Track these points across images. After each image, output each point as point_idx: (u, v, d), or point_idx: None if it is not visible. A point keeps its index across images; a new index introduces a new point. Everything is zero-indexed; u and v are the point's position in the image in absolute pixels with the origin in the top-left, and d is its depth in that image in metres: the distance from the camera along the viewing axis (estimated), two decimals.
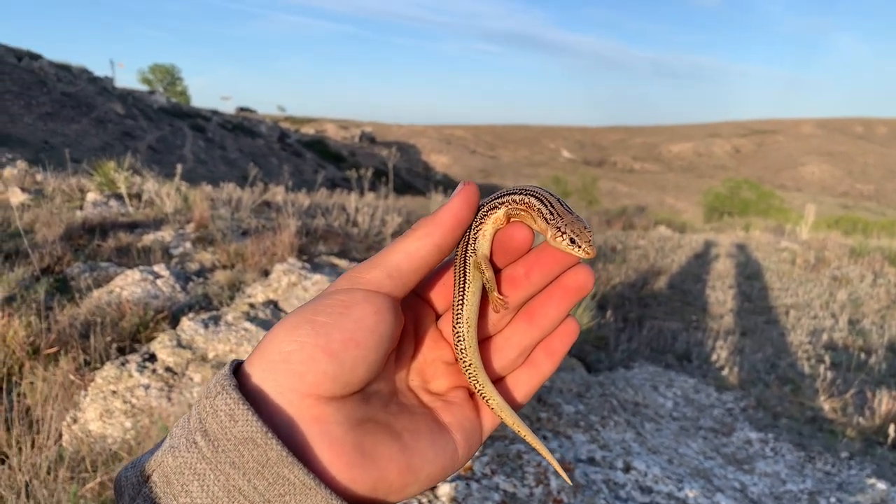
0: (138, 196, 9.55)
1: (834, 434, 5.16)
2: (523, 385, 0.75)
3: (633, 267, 11.50)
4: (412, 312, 0.74)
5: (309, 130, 69.00)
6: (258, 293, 5.08)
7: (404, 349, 0.72)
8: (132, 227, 8.07)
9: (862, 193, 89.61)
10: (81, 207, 8.97)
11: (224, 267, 6.53)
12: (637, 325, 8.26)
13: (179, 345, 4.01)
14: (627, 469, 3.04)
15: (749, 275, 11.49)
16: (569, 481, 0.74)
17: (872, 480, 4.05)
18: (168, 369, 3.83)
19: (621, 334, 7.74)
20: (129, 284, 5.34)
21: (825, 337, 7.91)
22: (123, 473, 0.59)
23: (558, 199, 0.70)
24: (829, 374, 6.33)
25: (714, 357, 7.10)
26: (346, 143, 62.87)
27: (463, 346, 0.69)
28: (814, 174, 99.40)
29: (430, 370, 0.74)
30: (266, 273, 6.10)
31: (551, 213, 0.68)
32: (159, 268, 5.75)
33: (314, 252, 7.53)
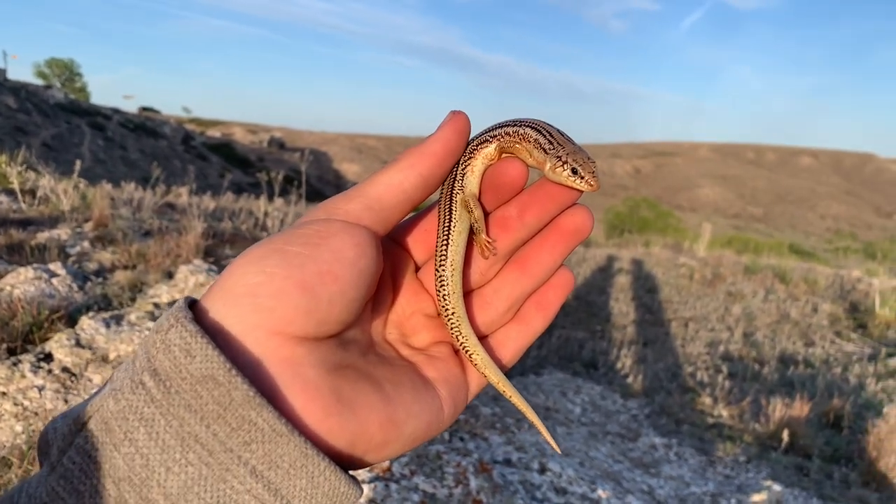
0: (32, 192, 9.03)
1: (732, 439, 5.37)
2: (512, 342, 0.67)
3: None
4: (389, 260, 0.66)
5: (215, 133, 67.21)
6: (163, 293, 4.87)
7: (381, 299, 0.64)
8: (25, 224, 7.61)
9: (752, 215, 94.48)
10: None
11: (125, 267, 6.24)
12: (546, 333, 8.39)
13: (78, 344, 3.79)
14: (543, 470, 3.07)
15: (650, 288, 11.88)
16: (557, 449, 0.69)
17: (769, 482, 4.23)
18: (65, 370, 3.61)
19: None
20: (21, 283, 5.02)
21: (722, 348, 8.25)
22: (51, 425, 0.50)
23: (558, 130, 0.64)
24: (727, 384, 6.60)
25: (619, 365, 7.29)
26: (254, 148, 61.55)
27: (446, 292, 0.62)
28: (708, 196, 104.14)
29: (409, 324, 0.66)
30: (170, 275, 5.86)
31: (550, 143, 0.62)
32: (55, 266, 5.43)
33: (221, 255, 7.30)
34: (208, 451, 0.46)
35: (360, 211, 0.57)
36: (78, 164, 9.98)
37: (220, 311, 0.50)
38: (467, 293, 0.66)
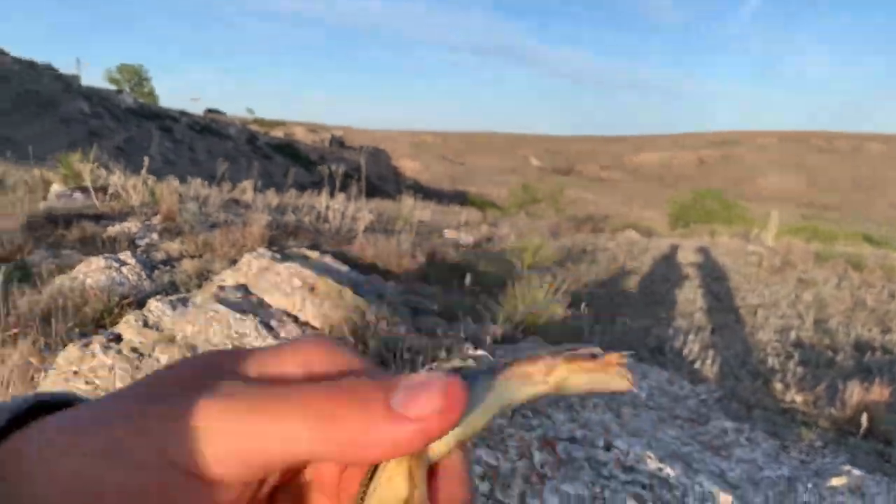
0: (104, 189, 9.33)
1: (807, 424, 5.18)
2: None
3: (603, 268, 11.53)
4: None
5: (278, 134, 68.12)
6: (227, 277, 4.94)
7: None
8: (97, 218, 7.87)
9: (821, 204, 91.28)
10: (45, 199, 8.74)
11: (192, 257, 6.38)
12: (608, 321, 8.26)
13: (146, 325, 3.87)
14: (609, 448, 2.99)
15: (717, 276, 11.59)
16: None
17: (848, 467, 4.05)
18: (134, 349, 3.69)
19: (595, 326, 7.73)
20: (93, 271, 5.18)
21: (793, 335, 7.97)
22: None
23: None
24: (799, 370, 6.37)
25: (686, 351, 7.11)
26: (315, 147, 62.20)
27: None
28: (774, 184, 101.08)
29: None
30: (235, 262, 5.97)
31: None
32: (125, 256, 5.59)
33: (285, 244, 7.41)
34: None
35: None
36: (147, 161, 10.25)
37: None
38: None
